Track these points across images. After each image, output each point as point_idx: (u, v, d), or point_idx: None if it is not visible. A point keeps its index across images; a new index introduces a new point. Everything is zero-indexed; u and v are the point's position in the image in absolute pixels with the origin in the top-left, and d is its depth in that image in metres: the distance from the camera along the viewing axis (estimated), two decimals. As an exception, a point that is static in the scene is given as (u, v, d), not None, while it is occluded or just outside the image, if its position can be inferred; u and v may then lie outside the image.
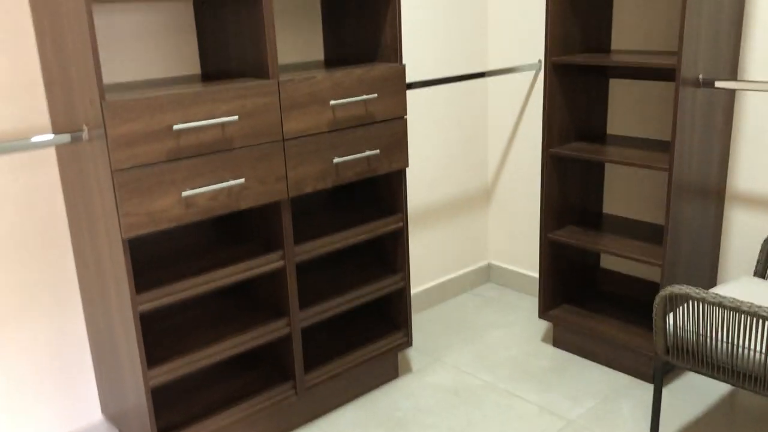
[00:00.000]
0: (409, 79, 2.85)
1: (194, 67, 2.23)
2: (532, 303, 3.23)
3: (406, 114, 2.33)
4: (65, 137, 1.76)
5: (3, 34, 1.86)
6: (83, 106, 1.75)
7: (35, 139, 1.75)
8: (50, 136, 1.75)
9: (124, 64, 2.08)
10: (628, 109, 2.72)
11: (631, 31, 2.64)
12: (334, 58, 2.52)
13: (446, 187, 3.15)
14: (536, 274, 3.26)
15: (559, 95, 2.57)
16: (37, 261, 2.03)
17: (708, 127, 2.32)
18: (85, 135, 1.76)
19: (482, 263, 3.43)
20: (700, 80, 2.21)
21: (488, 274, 3.47)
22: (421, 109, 2.94)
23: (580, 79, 2.63)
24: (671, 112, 2.60)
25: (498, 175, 3.29)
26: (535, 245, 3.23)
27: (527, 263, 3.29)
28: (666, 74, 2.59)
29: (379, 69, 2.22)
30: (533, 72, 3.02)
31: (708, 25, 2.18)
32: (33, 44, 1.91)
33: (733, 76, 2.37)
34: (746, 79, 2.36)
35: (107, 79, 2.06)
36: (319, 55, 2.55)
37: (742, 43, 2.36)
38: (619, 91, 2.73)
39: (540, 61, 2.99)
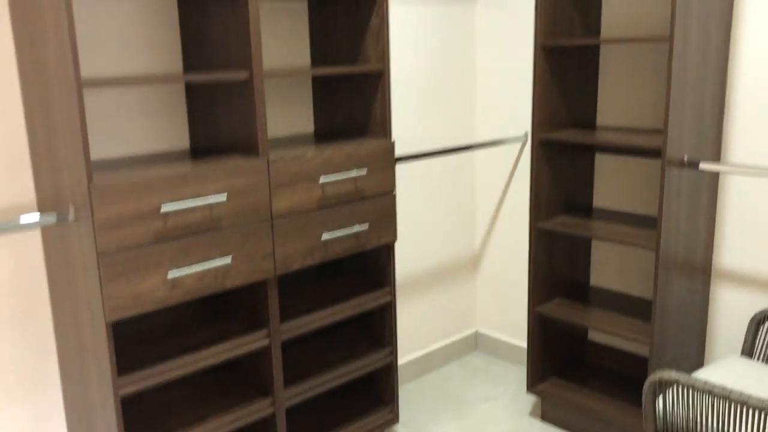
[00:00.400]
0: (397, 152, 2.88)
1: (183, 141, 2.23)
2: (520, 373, 3.19)
3: (394, 189, 2.34)
4: (51, 218, 1.74)
5: (-8, 111, 1.86)
6: (70, 186, 1.73)
7: (21, 220, 1.73)
8: (36, 217, 1.74)
9: (112, 140, 2.07)
10: (615, 183, 2.75)
11: (616, 107, 2.69)
12: (324, 132, 2.54)
13: (434, 255, 3.15)
14: (524, 344, 3.23)
15: (546, 170, 2.59)
16: (17, 337, 1.98)
17: (694, 206, 2.35)
18: (71, 215, 1.75)
19: (470, 331, 3.41)
20: (685, 161, 2.24)
21: (476, 343, 3.44)
22: (409, 179, 2.96)
23: (567, 154, 2.67)
24: (657, 187, 2.63)
25: (486, 242, 3.29)
26: (523, 313, 3.21)
27: (515, 332, 3.27)
28: (651, 151, 2.63)
29: (368, 145, 2.23)
30: (520, 144, 3.06)
31: (692, 106, 2.22)
32: (21, 121, 1.91)
33: (717, 156, 2.41)
34: (730, 160, 2.40)
35: (95, 154, 2.06)
36: (309, 127, 2.57)
37: (724, 125, 2.40)
38: (606, 165, 2.76)
39: (526, 133, 3.03)
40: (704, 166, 2.25)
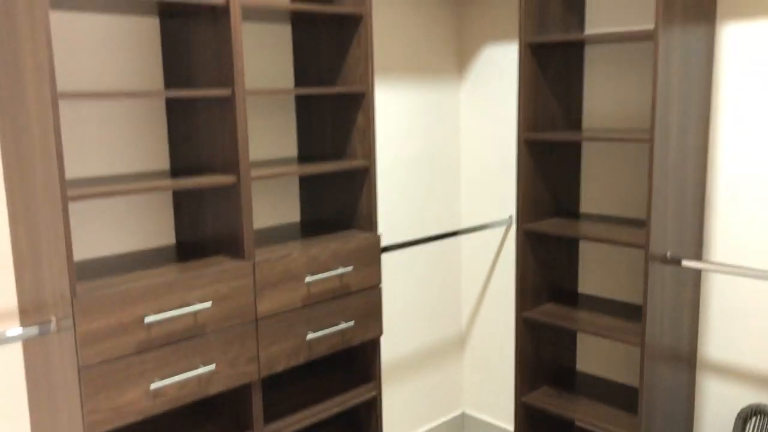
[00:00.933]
0: (383, 239, 2.89)
1: (169, 237, 2.23)
2: (508, 458, 3.15)
3: (380, 282, 2.34)
4: (33, 330, 1.72)
5: (-24, 217, 1.85)
6: (53, 297, 1.72)
7: (4, 334, 1.70)
8: (18, 330, 1.71)
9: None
10: (599, 270, 2.76)
11: (599, 196, 2.73)
12: (311, 222, 2.55)
13: (420, 338, 3.13)
14: (511, 427, 3.20)
15: (531, 258, 2.61)
16: (-7, 446, 1.93)
17: (678, 298, 2.36)
18: (53, 326, 1.72)
19: (456, 412, 3.37)
20: (668, 257, 2.27)
21: (462, 424, 3.39)
22: (394, 264, 2.96)
23: (551, 242, 2.69)
24: (640, 274, 2.65)
25: (472, 322, 3.29)
26: (510, 395, 3.19)
27: (502, 414, 3.24)
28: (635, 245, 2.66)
29: (354, 240, 2.24)
30: (504, 227, 3.08)
31: (674, 201, 2.26)
32: (5, 225, 1.90)
33: (700, 250, 2.44)
34: (712, 255, 2.43)
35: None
36: (295, 218, 2.58)
37: (705, 221, 2.44)
38: (589, 252, 2.79)
39: (511, 216, 3.06)
40: (687, 263, 2.28)
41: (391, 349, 3.00)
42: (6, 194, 1.89)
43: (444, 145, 3.12)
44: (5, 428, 1.96)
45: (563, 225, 2.53)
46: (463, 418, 3.39)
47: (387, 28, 2.80)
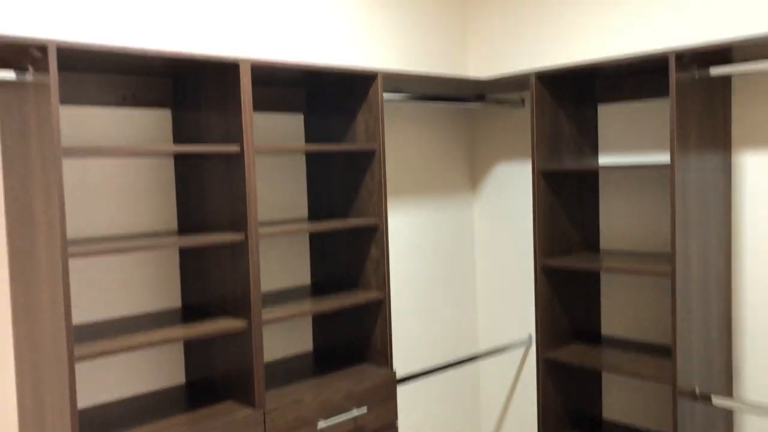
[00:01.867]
0: (396, 366, 2.81)
1: (179, 377, 2.16)
2: None
3: (396, 420, 2.25)
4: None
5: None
6: (55, 458, 1.65)
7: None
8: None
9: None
10: (622, 397, 2.65)
11: (620, 321, 2.65)
12: (323, 353, 2.48)
13: (438, 465, 2.99)
14: None
15: (551, 386, 2.51)
16: None
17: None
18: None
19: None
20: (697, 393, 2.17)
21: None
22: (409, 391, 2.86)
23: (573, 370, 2.59)
24: (667, 407, 2.53)
25: (491, 446, 3.15)
26: None
27: None
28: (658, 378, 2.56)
29: (368, 378, 2.16)
30: (524, 348, 2.99)
31: (699, 332, 2.17)
32: (12, 390, 1.85)
33: (729, 383, 2.33)
34: (742, 389, 2.32)
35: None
36: (308, 347, 2.51)
37: (733, 353, 2.35)
38: (613, 381, 2.68)
39: (530, 336, 2.97)
40: (717, 401, 2.17)
41: (407, 478, 2.87)
42: (15, 363, 1.85)
43: (459, 261, 3.07)
44: None
45: (584, 353, 2.45)
46: None
47: (400, 151, 2.82)
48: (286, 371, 2.27)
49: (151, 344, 1.72)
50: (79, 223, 1.96)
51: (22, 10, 1.60)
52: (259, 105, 2.35)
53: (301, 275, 2.49)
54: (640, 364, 2.28)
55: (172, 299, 2.15)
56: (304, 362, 2.37)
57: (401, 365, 2.83)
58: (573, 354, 2.45)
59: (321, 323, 2.50)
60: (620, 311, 2.65)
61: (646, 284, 2.57)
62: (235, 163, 1.91)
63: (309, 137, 2.48)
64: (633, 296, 2.61)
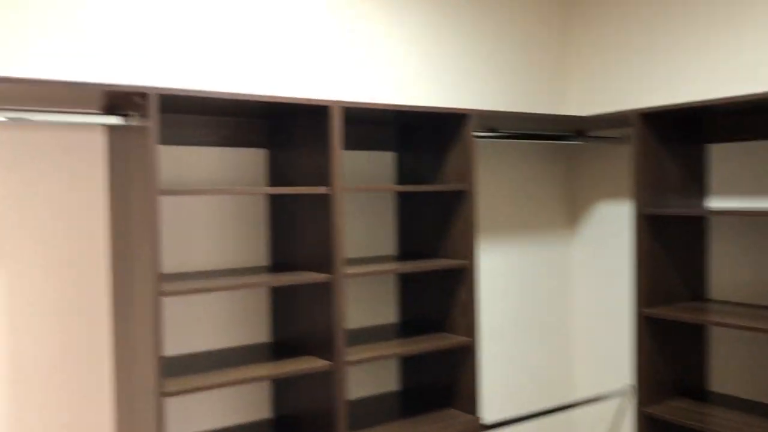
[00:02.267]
0: (489, 413, 2.72)
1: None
2: None
3: (482, 470, 2.17)
4: None
5: None
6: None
7: None
8: None
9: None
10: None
11: (729, 376, 2.45)
12: (409, 395, 2.44)
13: None
14: None
15: (653, 446, 2.35)
16: None
17: None
18: None
19: None
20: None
21: None
22: None
23: (674, 428, 2.41)
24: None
25: (586, 501, 2.98)
26: None
27: None
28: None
29: (454, 425, 2.10)
30: (621, 398, 2.83)
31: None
32: (111, 419, 1.93)
33: None
34: None
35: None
36: (393, 387, 2.48)
37: None
38: (721, 437, 2.48)
39: (629, 386, 2.80)
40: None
41: None
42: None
43: (554, 304, 2.96)
44: None
45: (688, 410, 2.27)
46: None
47: (494, 189, 2.76)
48: (372, 411, 2.24)
49: (237, 382, 1.75)
50: (177, 257, 2.04)
51: (131, 57, 1.69)
52: (353, 143, 2.37)
53: (389, 313, 2.48)
54: (751, 427, 2.09)
55: (262, 333, 2.18)
56: (390, 403, 2.34)
57: (489, 411, 2.74)
58: (675, 411, 2.28)
59: (408, 363, 2.46)
60: (730, 367, 2.45)
61: (761, 340, 2.37)
62: (323, 203, 1.93)
63: (400, 175, 2.48)
64: (746, 352, 2.41)
